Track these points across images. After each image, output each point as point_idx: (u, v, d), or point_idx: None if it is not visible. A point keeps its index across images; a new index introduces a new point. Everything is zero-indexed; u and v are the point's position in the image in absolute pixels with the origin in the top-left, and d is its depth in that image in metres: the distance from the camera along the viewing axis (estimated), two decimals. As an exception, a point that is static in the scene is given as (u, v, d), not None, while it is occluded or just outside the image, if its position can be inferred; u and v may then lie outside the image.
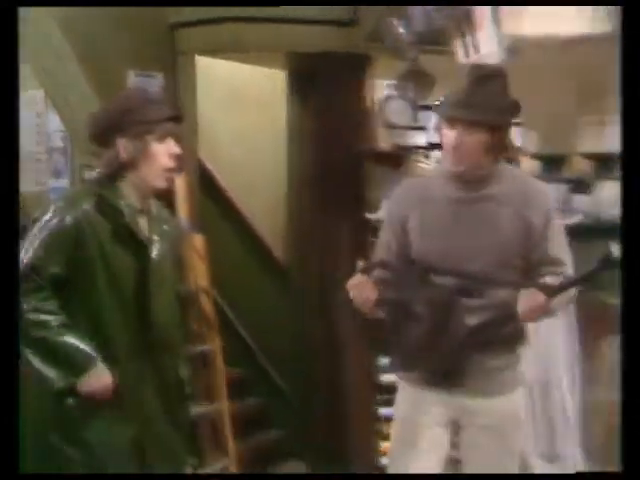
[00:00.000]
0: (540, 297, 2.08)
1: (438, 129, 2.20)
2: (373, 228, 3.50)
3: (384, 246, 2.29)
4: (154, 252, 2.15)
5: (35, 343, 2.01)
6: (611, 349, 3.46)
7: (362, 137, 3.56)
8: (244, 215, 4.36)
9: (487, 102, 2.08)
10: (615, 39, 2.64)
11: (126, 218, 2.11)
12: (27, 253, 2.00)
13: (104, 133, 2.12)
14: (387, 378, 3.62)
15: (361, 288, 2.13)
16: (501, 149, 2.16)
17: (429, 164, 3.43)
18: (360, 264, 2.16)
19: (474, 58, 2.77)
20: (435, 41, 3.05)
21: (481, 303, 2.18)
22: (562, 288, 2.13)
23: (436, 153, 3.38)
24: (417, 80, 3.31)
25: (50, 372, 2.01)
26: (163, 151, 2.11)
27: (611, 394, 3.41)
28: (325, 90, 3.53)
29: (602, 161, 3.62)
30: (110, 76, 3.33)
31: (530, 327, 2.36)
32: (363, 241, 3.54)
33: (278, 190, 4.12)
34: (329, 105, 3.51)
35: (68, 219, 2.03)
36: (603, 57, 3.41)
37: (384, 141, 3.50)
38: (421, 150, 3.48)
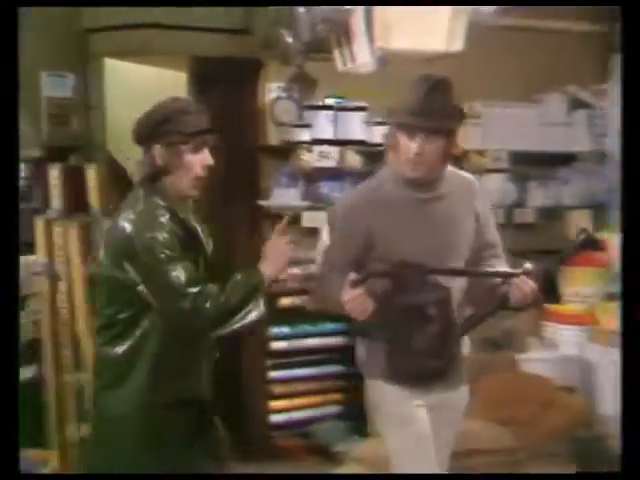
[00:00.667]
0: (531, 283, 2.14)
1: (391, 137, 2.22)
2: (265, 213, 3.89)
3: (337, 252, 2.28)
4: (209, 249, 2.21)
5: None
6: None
7: (255, 133, 3.88)
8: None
9: (442, 109, 2.12)
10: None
11: (187, 222, 2.12)
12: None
13: (142, 138, 2.12)
14: (276, 345, 4.01)
15: (358, 302, 2.10)
16: (452, 152, 2.22)
17: (312, 157, 3.83)
18: (351, 277, 2.11)
19: (350, 66, 3.21)
20: (319, 50, 3.42)
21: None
22: (547, 271, 2.23)
23: (317, 148, 3.81)
24: (302, 83, 3.71)
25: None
26: (196, 161, 2.09)
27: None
28: (223, 91, 3.78)
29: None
30: (23, 77, 3.53)
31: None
32: (257, 224, 3.89)
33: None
34: (227, 105, 3.74)
35: (166, 233, 2.03)
36: (456, 71, 3.97)
37: (274, 137, 3.83)
38: (305, 145, 3.84)
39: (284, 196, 3.92)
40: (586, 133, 4.55)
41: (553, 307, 3.96)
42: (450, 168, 2.31)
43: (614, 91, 4.56)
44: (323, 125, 3.89)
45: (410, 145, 2.13)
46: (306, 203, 3.95)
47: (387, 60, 3.08)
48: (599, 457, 3.47)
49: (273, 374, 3.99)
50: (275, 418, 3.99)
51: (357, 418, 3.76)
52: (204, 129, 2.11)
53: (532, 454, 3.42)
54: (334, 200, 3.67)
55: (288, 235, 2.13)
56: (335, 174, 4.00)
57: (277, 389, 4.00)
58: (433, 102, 2.11)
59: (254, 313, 2.04)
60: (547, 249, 3.37)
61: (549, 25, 4.44)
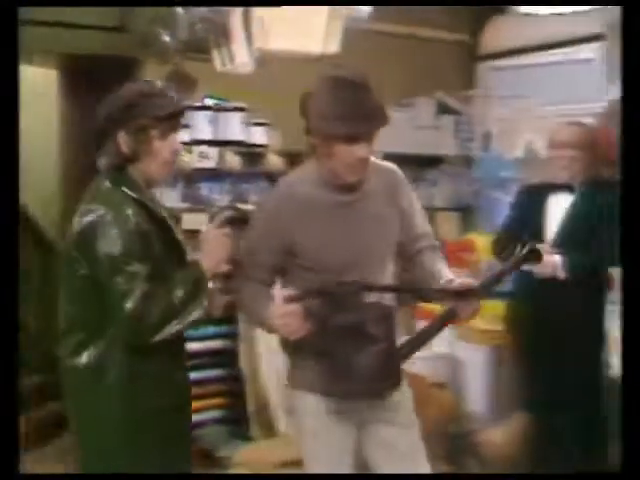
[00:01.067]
0: (477, 303, 2.11)
1: (322, 145, 2.04)
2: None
3: (255, 258, 2.14)
4: (178, 235, 2.10)
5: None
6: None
7: None
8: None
9: (372, 107, 2.01)
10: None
11: (156, 211, 2.02)
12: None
13: (106, 125, 1.99)
14: (190, 346, 3.93)
15: (292, 320, 1.98)
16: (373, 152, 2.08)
17: (191, 158, 3.80)
18: (282, 294, 2.00)
19: (229, 66, 3.24)
20: (197, 49, 3.41)
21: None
22: (491, 285, 2.15)
23: (196, 148, 3.77)
24: (181, 83, 3.65)
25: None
26: (165, 147, 2.00)
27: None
28: (97, 90, 3.60)
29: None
30: None
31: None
32: None
33: (51, 185, 4.30)
34: (99, 104, 3.68)
35: (129, 227, 1.92)
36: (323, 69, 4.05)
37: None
38: (184, 145, 3.77)
39: (163, 198, 3.85)
40: (453, 138, 4.78)
41: (425, 305, 4.02)
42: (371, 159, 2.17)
43: (479, 97, 4.83)
44: (202, 125, 3.86)
45: (353, 151, 1.99)
46: (186, 205, 3.91)
47: (265, 61, 3.12)
48: (467, 453, 3.62)
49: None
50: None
51: (239, 422, 3.81)
52: (173, 112, 2.00)
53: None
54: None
55: (225, 227, 2.06)
56: (215, 175, 3.99)
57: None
58: (364, 102, 1.99)
59: (196, 312, 1.96)
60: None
61: (419, 33, 4.65)
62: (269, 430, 3.62)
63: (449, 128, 4.77)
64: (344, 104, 1.99)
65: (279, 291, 2.05)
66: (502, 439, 3.65)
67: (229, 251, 2.04)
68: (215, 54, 3.20)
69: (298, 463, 3.17)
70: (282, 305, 1.99)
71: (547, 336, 3.31)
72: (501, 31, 4.78)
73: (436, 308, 3.89)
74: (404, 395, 2.23)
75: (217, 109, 3.87)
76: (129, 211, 1.95)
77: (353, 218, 2.12)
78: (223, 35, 3.16)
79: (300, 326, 2.00)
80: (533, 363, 3.40)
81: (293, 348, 2.16)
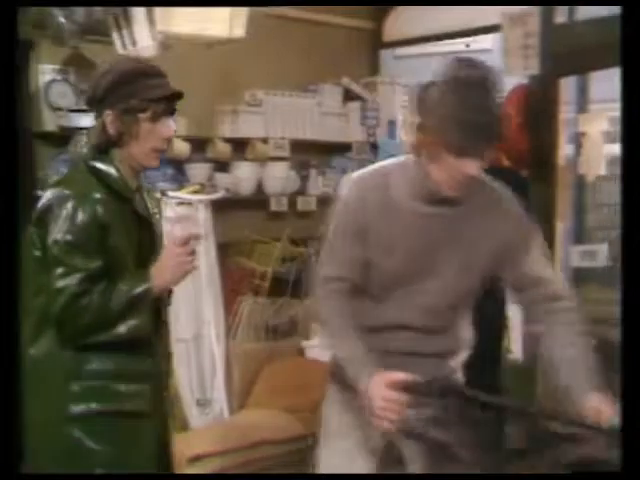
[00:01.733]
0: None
1: (433, 152, 1.78)
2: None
3: (346, 263, 1.93)
4: (157, 229, 2.02)
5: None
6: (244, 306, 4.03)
7: (29, 119, 3.59)
8: None
9: (492, 123, 1.75)
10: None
11: (134, 201, 1.91)
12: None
13: (94, 101, 1.89)
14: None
15: (392, 408, 1.72)
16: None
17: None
18: (385, 378, 1.73)
19: (131, 49, 3.12)
20: (96, 32, 3.27)
21: None
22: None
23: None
24: (79, 66, 3.57)
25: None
26: (155, 131, 1.87)
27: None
28: None
29: (237, 144, 4.22)
30: None
31: (180, 289, 2.34)
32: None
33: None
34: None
35: (87, 216, 1.82)
36: (237, 57, 4.02)
37: (50, 123, 3.59)
38: (85, 131, 3.63)
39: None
40: (359, 124, 4.80)
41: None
42: (482, 180, 1.93)
43: (384, 84, 4.87)
44: (102, 111, 3.71)
45: (461, 166, 1.75)
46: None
47: (169, 44, 3.04)
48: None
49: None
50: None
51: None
52: (164, 94, 1.87)
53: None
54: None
55: (189, 245, 1.90)
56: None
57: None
58: (488, 112, 1.73)
59: (135, 324, 1.84)
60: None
61: (321, 19, 4.63)
62: (182, 424, 3.57)
63: (355, 115, 4.78)
64: (471, 111, 1.71)
65: (381, 376, 1.77)
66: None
67: (187, 272, 1.91)
68: (115, 36, 3.08)
69: (211, 456, 3.17)
70: (384, 389, 1.74)
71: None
72: (403, 19, 4.83)
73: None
74: None
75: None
76: (95, 197, 1.83)
77: (438, 233, 1.90)
78: (124, 17, 3.05)
79: (398, 417, 1.73)
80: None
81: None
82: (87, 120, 3.64)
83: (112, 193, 1.88)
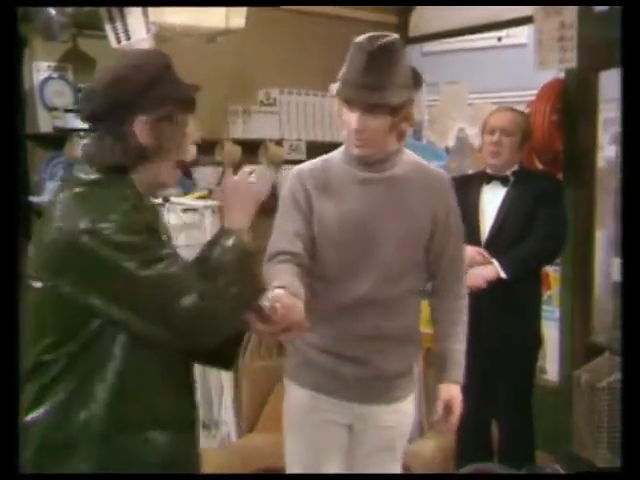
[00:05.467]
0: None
1: (339, 112, 2.01)
2: (37, 211, 3.47)
3: (290, 236, 2.04)
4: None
5: None
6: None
7: (23, 120, 3.27)
8: None
9: (386, 82, 1.90)
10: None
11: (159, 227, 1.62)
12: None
13: (115, 107, 1.51)
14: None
15: (290, 312, 1.75)
16: (405, 125, 2.02)
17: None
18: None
19: (125, 43, 2.89)
20: (90, 25, 3.08)
21: None
22: None
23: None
24: (76, 62, 3.36)
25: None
26: (186, 140, 1.59)
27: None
28: None
29: (249, 146, 3.98)
30: None
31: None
32: (28, 224, 3.46)
33: None
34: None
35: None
36: (251, 54, 3.78)
37: (45, 124, 3.34)
38: (82, 132, 3.39)
39: (46, 190, 3.49)
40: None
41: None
42: (413, 156, 2.14)
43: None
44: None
45: (351, 119, 1.94)
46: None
47: (164, 36, 2.81)
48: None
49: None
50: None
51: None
52: (193, 92, 1.58)
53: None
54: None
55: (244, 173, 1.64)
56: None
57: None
58: (374, 72, 1.88)
59: (253, 288, 1.57)
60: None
61: (345, 13, 4.36)
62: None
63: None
64: (355, 66, 1.92)
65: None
66: (431, 451, 3.45)
67: (258, 201, 1.64)
68: (109, 29, 2.86)
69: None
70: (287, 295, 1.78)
71: (480, 341, 3.13)
72: (429, 13, 4.53)
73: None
74: (402, 417, 2.19)
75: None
76: (126, 205, 1.50)
77: (374, 196, 2.03)
78: (116, 9, 2.82)
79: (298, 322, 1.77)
80: (466, 368, 3.22)
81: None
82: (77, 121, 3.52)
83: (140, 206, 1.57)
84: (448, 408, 2.13)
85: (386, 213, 2.03)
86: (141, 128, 1.52)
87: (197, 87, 1.62)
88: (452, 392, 2.13)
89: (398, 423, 2.19)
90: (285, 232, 2.05)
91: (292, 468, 2.20)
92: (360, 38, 1.95)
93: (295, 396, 2.17)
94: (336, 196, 2.04)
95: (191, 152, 1.64)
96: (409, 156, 2.12)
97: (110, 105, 1.52)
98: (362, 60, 1.89)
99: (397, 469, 2.24)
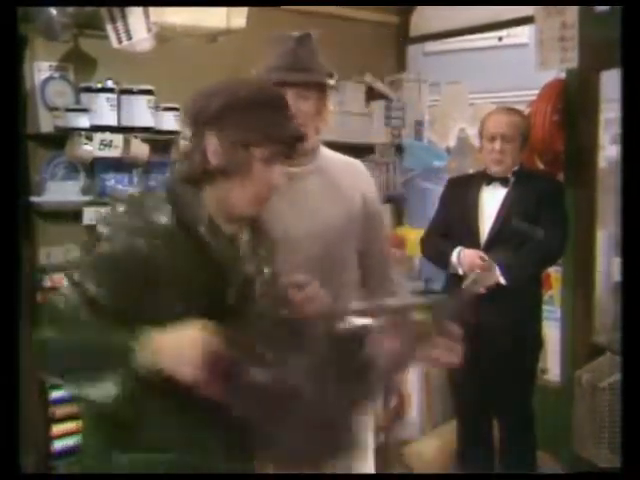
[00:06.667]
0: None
1: None
2: (39, 212, 3.45)
3: None
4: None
5: None
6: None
7: (23, 120, 3.30)
8: None
9: (310, 63, 2.01)
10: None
11: (206, 237, 1.55)
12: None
13: (197, 120, 1.54)
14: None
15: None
16: (320, 120, 2.04)
17: (93, 146, 3.41)
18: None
19: (126, 43, 2.89)
20: (91, 25, 3.07)
21: None
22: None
23: (98, 135, 3.37)
24: (78, 62, 3.35)
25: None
26: (266, 176, 1.55)
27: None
28: None
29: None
30: None
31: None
32: (30, 225, 3.39)
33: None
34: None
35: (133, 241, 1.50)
36: (252, 53, 3.77)
37: (46, 124, 3.35)
38: (84, 132, 3.36)
39: (61, 191, 3.50)
40: (382, 125, 4.51)
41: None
42: (329, 150, 2.17)
43: (410, 82, 4.57)
44: (104, 110, 3.48)
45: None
46: (88, 198, 3.53)
47: (165, 36, 2.80)
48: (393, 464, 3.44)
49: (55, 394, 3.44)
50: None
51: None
52: (288, 135, 1.56)
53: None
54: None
55: None
56: (120, 165, 3.62)
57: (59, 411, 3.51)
58: (301, 56, 2.00)
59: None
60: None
61: (347, 13, 4.36)
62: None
63: (379, 114, 4.49)
64: (282, 54, 2.00)
65: None
66: (433, 450, 3.44)
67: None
68: (110, 29, 2.84)
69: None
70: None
71: (480, 342, 3.12)
72: (430, 13, 4.53)
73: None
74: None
75: (121, 92, 3.48)
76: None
77: (300, 192, 2.02)
78: (117, 9, 2.81)
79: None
80: (467, 370, 3.21)
81: None
82: (85, 120, 3.51)
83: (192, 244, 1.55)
84: None
85: (318, 205, 2.04)
86: (212, 148, 1.53)
87: (300, 135, 1.61)
88: None
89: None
90: None
91: None
92: (281, 34, 2.07)
93: None
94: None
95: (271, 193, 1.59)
96: (327, 151, 2.16)
97: (194, 116, 1.55)
98: (288, 47, 2.00)
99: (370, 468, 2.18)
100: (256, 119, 1.53)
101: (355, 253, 2.12)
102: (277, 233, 1.92)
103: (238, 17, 2.79)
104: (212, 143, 1.52)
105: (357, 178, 2.13)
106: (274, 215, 1.93)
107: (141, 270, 1.50)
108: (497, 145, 3.10)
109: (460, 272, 3.09)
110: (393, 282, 2.21)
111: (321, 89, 2.02)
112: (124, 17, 2.83)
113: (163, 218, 1.53)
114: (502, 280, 2.98)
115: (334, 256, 2.04)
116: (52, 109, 3.33)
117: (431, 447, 3.46)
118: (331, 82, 2.07)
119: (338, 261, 2.06)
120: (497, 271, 2.99)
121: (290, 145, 1.60)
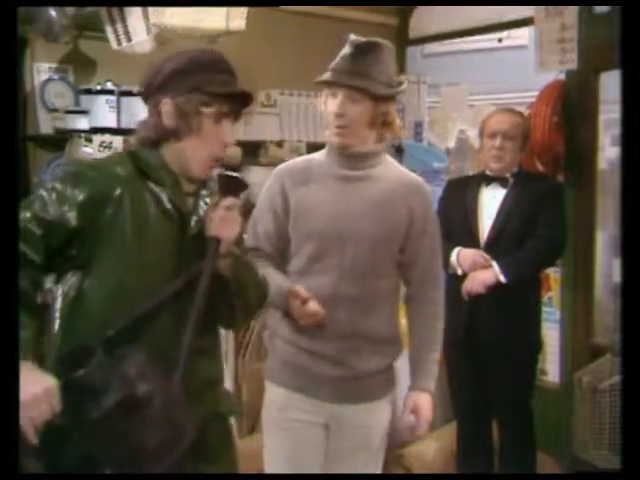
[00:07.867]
0: None
1: (325, 104, 2.10)
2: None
3: (260, 236, 2.15)
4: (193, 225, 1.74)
5: None
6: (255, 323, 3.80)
7: (23, 122, 3.30)
8: None
9: (369, 71, 2.02)
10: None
11: (167, 188, 1.69)
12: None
13: (151, 88, 1.68)
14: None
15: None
16: (385, 125, 2.08)
17: (92, 148, 3.42)
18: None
19: (125, 45, 2.90)
20: (91, 27, 3.07)
21: None
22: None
23: (97, 137, 3.39)
24: (77, 64, 3.35)
25: None
26: (216, 133, 1.68)
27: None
28: None
29: (249, 147, 3.98)
30: None
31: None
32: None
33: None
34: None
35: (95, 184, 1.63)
36: (251, 55, 3.77)
37: (45, 125, 3.33)
38: (83, 134, 3.37)
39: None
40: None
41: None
42: (396, 163, 2.23)
43: (409, 84, 4.57)
44: (104, 112, 3.48)
45: (333, 105, 2.04)
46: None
47: (164, 38, 2.80)
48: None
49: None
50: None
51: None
52: (233, 92, 1.69)
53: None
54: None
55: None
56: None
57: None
58: (359, 62, 2.02)
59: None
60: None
61: (346, 15, 4.35)
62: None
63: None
64: (341, 58, 2.08)
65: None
66: (433, 452, 3.44)
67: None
68: (109, 31, 2.85)
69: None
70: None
71: (481, 344, 3.13)
72: (429, 15, 4.53)
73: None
74: (378, 416, 2.20)
75: (120, 93, 3.48)
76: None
77: (353, 194, 2.08)
78: (117, 10, 2.81)
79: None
80: (465, 372, 3.21)
81: (269, 338, 2.22)
82: (84, 122, 3.52)
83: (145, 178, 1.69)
84: (415, 415, 2.15)
85: (361, 210, 2.08)
86: (165, 109, 1.66)
87: (247, 93, 1.73)
88: (419, 400, 2.14)
89: (374, 422, 2.19)
90: (255, 232, 2.18)
91: (270, 467, 2.21)
92: (352, 35, 2.09)
93: (272, 396, 2.20)
94: (314, 191, 2.10)
95: (230, 153, 1.68)
96: (392, 163, 2.20)
97: (146, 86, 1.71)
98: (348, 50, 2.03)
99: (376, 469, 2.24)
100: (202, 80, 1.66)
101: (393, 264, 2.16)
102: (314, 226, 2.07)
103: (238, 19, 2.80)
104: (165, 107, 1.66)
105: (411, 195, 2.14)
106: (315, 208, 2.08)
107: (103, 210, 1.64)
108: (497, 142, 3.10)
109: (459, 272, 3.09)
110: (433, 303, 2.24)
111: (375, 97, 2.02)
112: (124, 19, 2.84)
113: (126, 169, 1.68)
114: (502, 278, 2.98)
115: (363, 261, 2.09)
116: (52, 111, 3.33)
117: (431, 448, 3.46)
118: (388, 92, 2.05)
119: (369, 267, 2.10)
120: (497, 270, 3.00)
121: (238, 104, 1.72)
